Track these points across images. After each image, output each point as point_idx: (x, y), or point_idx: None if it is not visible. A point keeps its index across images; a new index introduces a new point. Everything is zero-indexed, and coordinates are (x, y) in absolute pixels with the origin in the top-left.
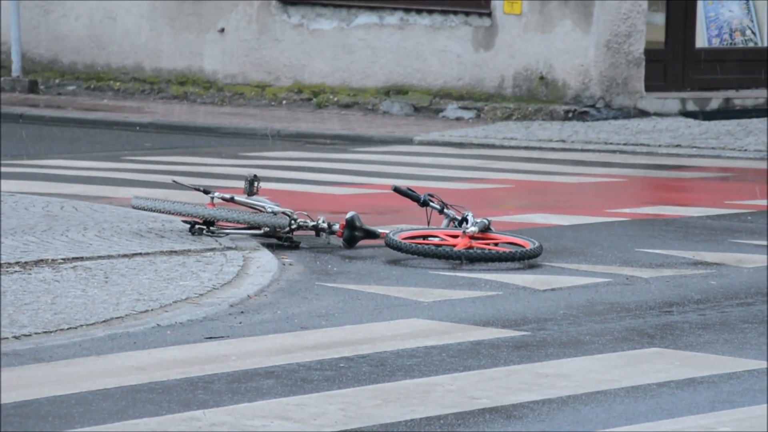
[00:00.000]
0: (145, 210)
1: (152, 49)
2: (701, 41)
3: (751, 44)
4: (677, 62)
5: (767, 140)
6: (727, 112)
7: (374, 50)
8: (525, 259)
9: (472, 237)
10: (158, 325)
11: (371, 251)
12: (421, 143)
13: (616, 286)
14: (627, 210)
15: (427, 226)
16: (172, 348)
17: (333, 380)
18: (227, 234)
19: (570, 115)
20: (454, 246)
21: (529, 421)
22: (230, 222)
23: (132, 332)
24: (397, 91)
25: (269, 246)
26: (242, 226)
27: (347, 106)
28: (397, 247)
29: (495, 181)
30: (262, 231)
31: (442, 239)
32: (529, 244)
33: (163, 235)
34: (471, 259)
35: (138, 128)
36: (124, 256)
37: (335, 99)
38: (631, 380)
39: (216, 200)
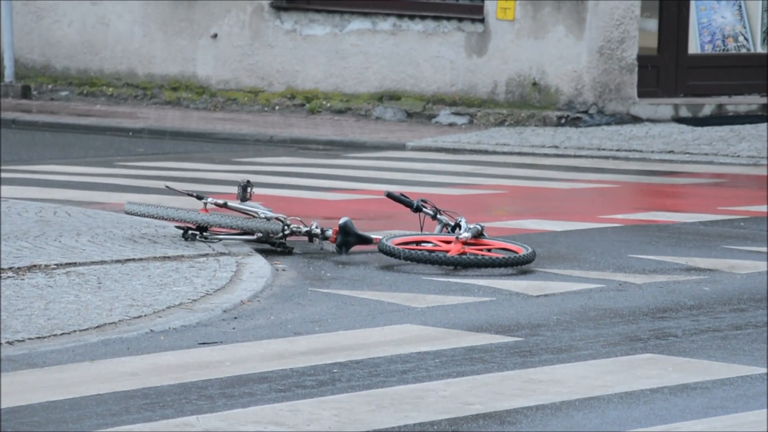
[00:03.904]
0: (137, 215)
1: (145, 54)
2: (694, 47)
3: (743, 50)
4: (670, 68)
5: (767, 146)
6: (719, 118)
7: (367, 56)
8: (518, 265)
9: (465, 243)
10: (151, 330)
11: (364, 257)
12: (414, 149)
13: (609, 291)
14: (620, 216)
15: (420, 232)
16: (165, 353)
17: (326, 386)
18: (220, 239)
19: (563, 121)
20: (448, 252)
21: (522, 426)
22: (223, 228)
23: (125, 338)
24: (390, 97)
25: (262, 251)
26: (235, 231)
27: (340, 111)
28: (390, 253)
29: (488, 186)
30: (255, 237)
31: (436, 245)
32: (522, 250)
33: (156, 240)
34: (464, 264)
35: (131, 134)
36: (118, 261)
37: (328, 105)
38: (624, 386)
39: (209, 206)
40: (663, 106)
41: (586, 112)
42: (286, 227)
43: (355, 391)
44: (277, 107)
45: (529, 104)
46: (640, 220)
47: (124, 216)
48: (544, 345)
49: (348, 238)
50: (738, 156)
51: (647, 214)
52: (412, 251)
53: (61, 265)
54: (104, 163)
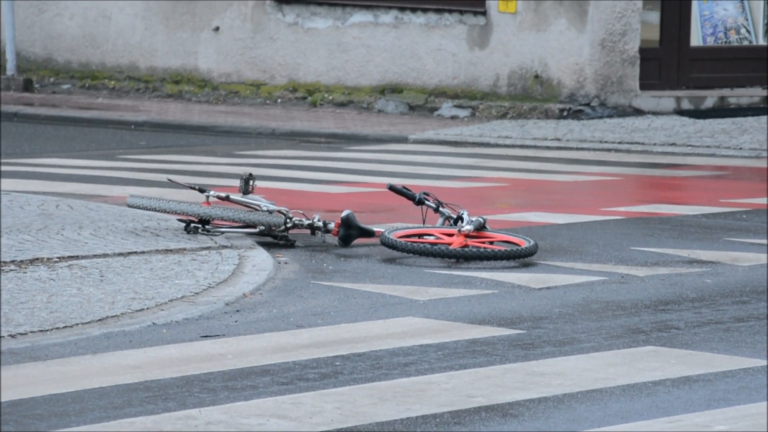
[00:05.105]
0: (140, 208)
1: (147, 47)
2: (696, 40)
3: (745, 43)
4: (672, 61)
5: (767, 138)
6: (722, 111)
7: (369, 49)
8: (520, 258)
9: (467, 235)
10: (154, 323)
11: (367, 250)
12: (416, 142)
13: (612, 284)
14: (622, 208)
15: (422, 225)
16: (168, 347)
17: (329, 379)
18: (223, 232)
19: (565, 113)
20: (450, 244)
21: (524, 419)
22: (226, 220)
23: (128, 331)
24: (392, 90)
25: (265, 244)
26: (238, 224)
27: (342, 104)
28: (392, 246)
29: (490, 179)
30: (257, 230)
31: (438, 238)
32: (525, 243)
33: (158, 233)
34: (466, 257)
35: (133, 127)
36: (120, 254)
37: (330, 98)
38: (626, 378)
39: (211, 199)
40: (665, 99)
41: (588, 104)
42: (288, 220)
43: (357, 383)
44: (279, 100)
45: (531, 97)
46: (642, 212)
47: (127, 209)
48: (546, 337)
49: (350, 231)
50: (740, 148)
51: (649, 206)
52: (415, 244)
53: (64, 258)
54: (106, 156)
